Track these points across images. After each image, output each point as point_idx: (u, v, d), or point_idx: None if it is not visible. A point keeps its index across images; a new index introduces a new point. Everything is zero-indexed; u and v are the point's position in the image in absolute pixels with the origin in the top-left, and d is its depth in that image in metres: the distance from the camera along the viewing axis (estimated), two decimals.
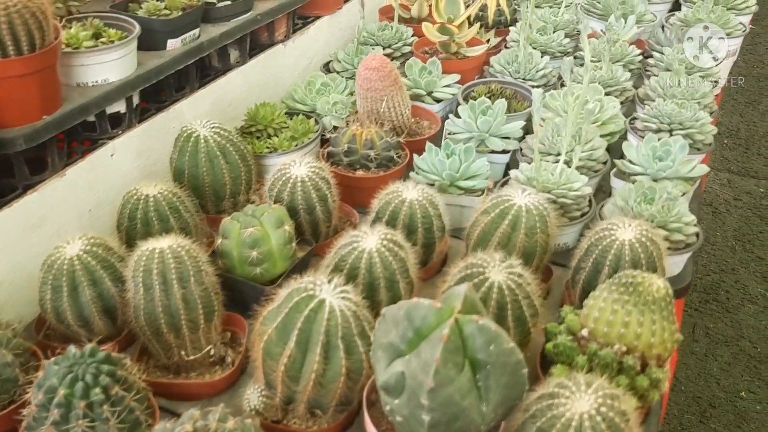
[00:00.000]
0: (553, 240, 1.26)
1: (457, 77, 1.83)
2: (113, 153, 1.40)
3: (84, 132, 1.40)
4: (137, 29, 1.41)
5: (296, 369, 0.96)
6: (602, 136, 1.58)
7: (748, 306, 2.81)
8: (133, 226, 1.23)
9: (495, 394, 0.86)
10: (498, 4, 2.15)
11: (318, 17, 2.01)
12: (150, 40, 1.46)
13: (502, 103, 1.59)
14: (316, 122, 1.64)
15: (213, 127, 1.38)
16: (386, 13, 2.20)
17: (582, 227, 1.39)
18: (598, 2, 2.22)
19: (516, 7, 2.11)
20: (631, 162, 1.47)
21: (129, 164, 1.44)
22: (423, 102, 1.79)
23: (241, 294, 1.19)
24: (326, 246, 1.19)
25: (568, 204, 1.35)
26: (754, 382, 2.46)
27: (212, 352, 1.13)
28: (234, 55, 1.69)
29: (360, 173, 1.50)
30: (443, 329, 0.83)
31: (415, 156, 1.49)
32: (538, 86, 1.82)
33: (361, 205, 1.40)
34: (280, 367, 0.96)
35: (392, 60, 1.94)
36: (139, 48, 1.44)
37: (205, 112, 1.61)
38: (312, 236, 1.32)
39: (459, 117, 1.61)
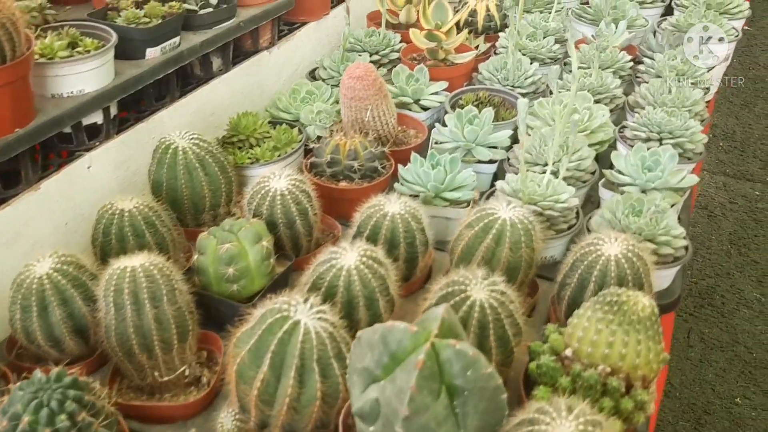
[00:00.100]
0: (539, 253, 1.24)
1: (444, 84, 1.81)
2: (90, 165, 1.37)
3: (60, 143, 1.37)
4: (114, 38, 1.38)
5: (270, 393, 0.93)
6: (591, 145, 1.55)
7: (743, 311, 2.79)
8: (108, 242, 1.20)
9: (473, 421, 0.83)
10: (488, 10, 2.12)
11: (304, 23, 1.98)
12: (128, 49, 1.43)
13: (489, 112, 1.57)
14: (300, 132, 1.61)
15: (192, 139, 1.35)
16: (374, 18, 2.17)
17: (569, 240, 1.36)
18: (589, 7, 2.19)
19: (506, 12, 2.08)
20: (619, 172, 1.45)
21: (107, 176, 1.41)
22: (410, 110, 1.76)
23: (217, 312, 1.16)
24: (307, 260, 1.16)
25: (555, 216, 1.32)
26: (750, 388, 2.44)
27: (187, 373, 1.10)
28: (217, 62, 1.66)
29: (343, 184, 1.47)
30: (419, 354, 0.80)
31: (399, 166, 1.46)
32: (527, 93, 1.79)
33: (344, 217, 1.37)
34: (253, 391, 0.93)
35: (380, 67, 1.92)
36: (117, 57, 1.41)
37: (187, 122, 1.58)
38: (292, 250, 1.29)
39: (446, 126, 1.59)
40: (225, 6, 1.64)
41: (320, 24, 2.02)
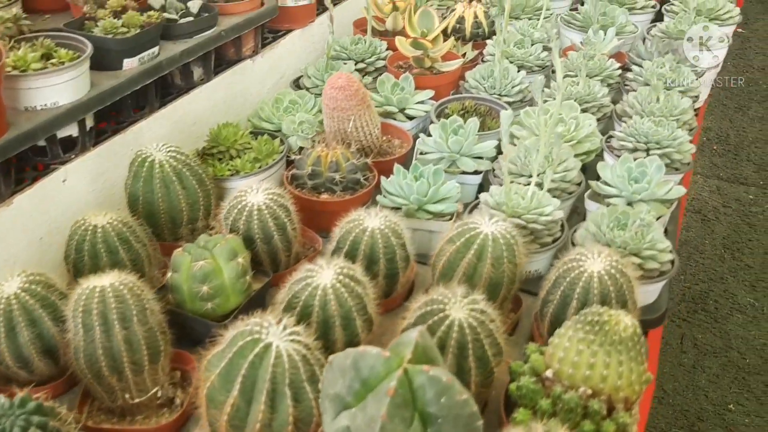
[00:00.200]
0: (523, 268, 1.21)
1: (430, 93, 1.78)
2: (65, 178, 1.35)
3: (35, 156, 1.34)
4: (89, 49, 1.35)
5: (240, 418, 0.90)
6: (578, 155, 1.53)
7: (736, 316, 2.77)
8: (81, 259, 1.17)
9: None
10: (476, 17, 2.10)
11: (290, 30, 1.95)
12: (105, 60, 1.40)
13: (474, 122, 1.54)
14: (282, 142, 1.58)
15: (169, 151, 1.32)
16: (360, 26, 2.14)
17: (554, 253, 1.33)
18: (578, 13, 2.17)
19: (493, 19, 2.06)
20: (605, 183, 1.42)
21: (83, 189, 1.39)
22: (395, 119, 1.73)
23: (192, 330, 1.13)
24: (286, 275, 1.13)
25: (539, 230, 1.30)
26: (743, 394, 2.42)
27: (159, 394, 1.07)
28: (198, 72, 1.64)
29: (325, 197, 1.44)
30: (390, 381, 0.78)
31: (382, 178, 1.44)
32: (513, 102, 1.76)
33: (326, 230, 1.34)
34: (223, 416, 0.90)
35: (365, 75, 1.89)
36: (94, 68, 1.38)
37: (167, 133, 1.55)
38: (271, 266, 1.27)
39: (431, 136, 1.56)
40: (206, 15, 1.61)
41: (306, 31, 1.99)
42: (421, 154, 1.56)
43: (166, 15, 1.54)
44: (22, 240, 1.29)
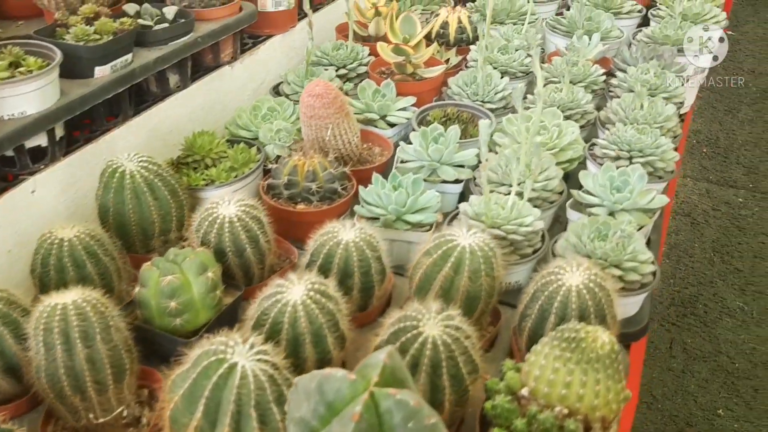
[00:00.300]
0: (502, 280, 1.19)
1: (412, 100, 1.75)
2: (34, 189, 1.31)
3: (3, 167, 1.31)
4: (59, 57, 1.32)
5: None
6: (560, 163, 1.50)
7: (726, 320, 2.76)
8: (47, 273, 1.14)
9: None
10: (459, 22, 2.07)
11: (270, 36, 1.92)
12: (75, 68, 1.36)
13: (455, 130, 1.51)
14: (259, 151, 1.55)
15: (141, 161, 1.29)
16: (343, 31, 2.11)
17: (535, 264, 1.31)
18: (564, 18, 2.15)
19: (475, 25, 2.03)
20: (587, 192, 1.40)
21: (53, 200, 1.35)
22: (376, 126, 1.70)
23: (160, 347, 1.10)
24: (259, 288, 1.10)
25: (519, 240, 1.27)
26: (732, 399, 2.41)
27: (125, 414, 1.04)
28: (174, 79, 1.60)
29: (301, 207, 1.41)
30: (356, 405, 0.75)
31: (360, 188, 1.41)
32: (496, 109, 1.74)
33: (303, 241, 1.31)
34: None
35: (347, 81, 1.86)
36: (64, 76, 1.35)
37: (142, 141, 1.52)
38: (243, 279, 1.24)
39: (411, 144, 1.53)
40: (182, 21, 1.58)
41: (286, 37, 1.96)
42: (401, 162, 1.53)
43: (140, 21, 1.51)
44: None
